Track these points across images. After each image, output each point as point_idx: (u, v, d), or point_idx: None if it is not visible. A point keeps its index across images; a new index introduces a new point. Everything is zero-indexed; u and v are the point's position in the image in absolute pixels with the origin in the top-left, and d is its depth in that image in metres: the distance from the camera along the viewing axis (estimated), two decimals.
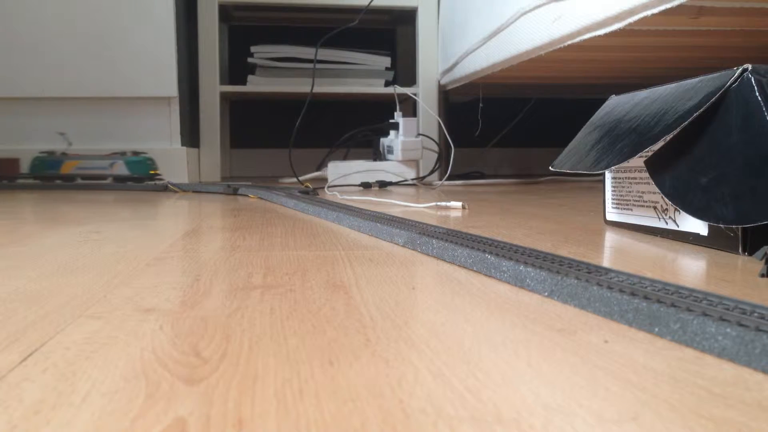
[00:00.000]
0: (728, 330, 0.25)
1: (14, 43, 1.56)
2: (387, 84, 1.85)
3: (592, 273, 0.34)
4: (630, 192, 0.60)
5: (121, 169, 1.43)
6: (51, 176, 1.47)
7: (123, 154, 1.45)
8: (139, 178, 1.44)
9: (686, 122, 0.48)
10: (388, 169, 1.48)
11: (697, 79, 0.52)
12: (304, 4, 1.81)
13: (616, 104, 0.64)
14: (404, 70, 2.02)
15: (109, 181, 1.46)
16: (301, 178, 1.41)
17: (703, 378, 0.22)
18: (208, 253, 0.50)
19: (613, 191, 0.63)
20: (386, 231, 0.57)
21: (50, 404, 0.20)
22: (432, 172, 1.62)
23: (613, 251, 0.50)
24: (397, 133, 1.50)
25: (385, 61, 1.87)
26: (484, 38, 1.32)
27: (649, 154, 0.55)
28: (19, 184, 1.45)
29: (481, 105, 1.66)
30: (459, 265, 0.44)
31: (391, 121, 1.52)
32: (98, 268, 0.44)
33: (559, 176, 1.68)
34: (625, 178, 0.60)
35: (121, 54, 1.59)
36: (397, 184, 1.47)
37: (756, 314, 0.26)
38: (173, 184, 1.32)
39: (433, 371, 0.23)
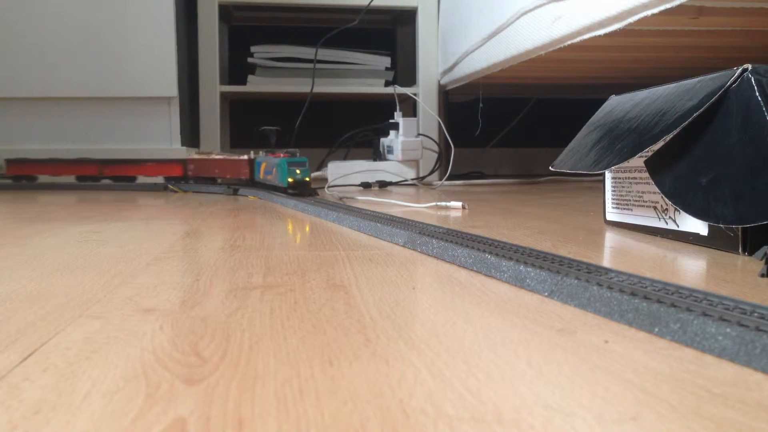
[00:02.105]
0: (728, 330, 0.25)
1: (14, 43, 1.56)
2: (387, 84, 1.85)
3: (592, 273, 0.34)
4: (630, 192, 0.60)
5: (276, 175, 1.03)
6: (253, 182, 1.17)
7: (286, 153, 1.06)
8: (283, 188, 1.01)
9: (686, 122, 0.48)
10: (388, 169, 1.48)
11: (697, 79, 0.52)
12: (304, 4, 1.80)
13: (616, 104, 0.64)
14: (404, 70, 2.02)
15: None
16: None
17: (703, 378, 0.22)
18: (208, 253, 0.50)
19: (613, 191, 0.63)
20: (386, 231, 0.57)
21: (50, 404, 0.20)
22: (432, 172, 1.62)
23: (613, 251, 0.50)
24: (397, 133, 1.50)
25: (385, 61, 1.87)
26: (484, 38, 1.32)
27: (649, 154, 0.55)
28: (11, 185, 1.44)
29: (481, 105, 1.66)
30: (459, 265, 0.44)
31: (391, 121, 1.52)
32: (98, 268, 0.44)
33: (559, 176, 1.68)
34: (625, 178, 0.60)
35: (121, 54, 1.59)
36: (397, 184, 1.47)
37: (756, 314, 0.26)
38: (173, 184, 1.32)
39: (433, 371, 0.23)
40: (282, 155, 1.03)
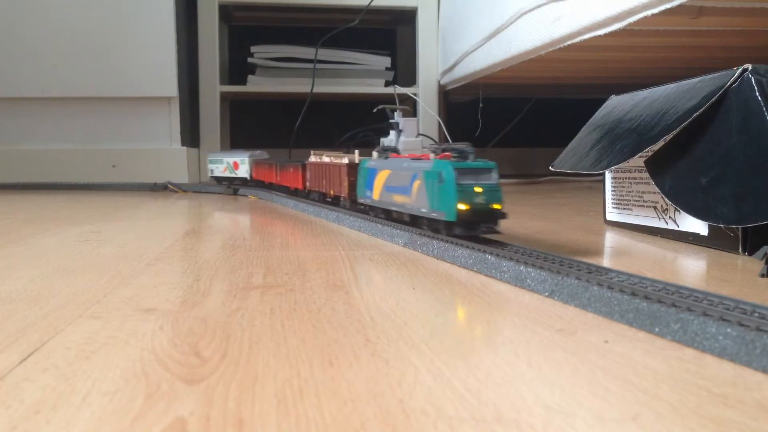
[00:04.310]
0: (729, 330, 0.25)
1: (14, 43, 1.56)
2: (387, 84, 1.85)
3: (593, 273, 0.34)
4: (630, 192, 0.60)
5: (421, 195, 0.51)
6: (353, 203, 0.70)
7: (447, 152, 0.51)
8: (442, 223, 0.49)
9: (686, 122, 0.48)
10: None
11: (697, 80, 0.52)
12: (304, 4, 1.80)
13: (616, 104, 0.64)
14: (404, 70, 2.02)
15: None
16: None
17: (703, 378, 0.22)
18: (208, 253, 0.50)
19: (613, 191, 0.63)
20: (386, 231, 0.56)
21: (50, 404, 0.20)
22: None
23: (613, 251, 0.50)
24: (397, 133, 1.50)
25: (385, 61, 1.87)
26: (484, 38, 1.32)
27: (649, 154, 0.55)
28: (18, 184, 1.43)
29: (481, 105, 1.66)
30: (459, 266, 0.44)
31: (391, 121, 1.52)
32: (98, 268, 0.44)
33: (559, 176, 1.68)
34: (625, 178, 0.60)
35: (121, 54, 1.59)
36: None
37: (756, 314, 0.26)
38: (173, 184, 1.32)
39: (433, 371, 0.23)
40: (437, 156, 0.51)
